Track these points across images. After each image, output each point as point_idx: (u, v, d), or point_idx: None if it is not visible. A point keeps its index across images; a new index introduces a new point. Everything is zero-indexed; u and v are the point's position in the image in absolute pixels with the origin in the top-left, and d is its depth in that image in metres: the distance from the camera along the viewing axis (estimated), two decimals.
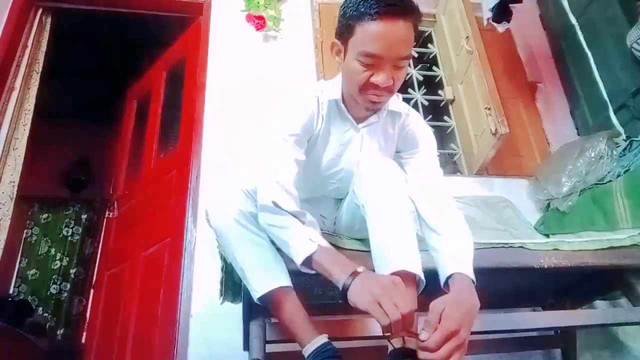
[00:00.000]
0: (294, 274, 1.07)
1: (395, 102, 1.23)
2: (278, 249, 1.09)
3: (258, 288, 1.03)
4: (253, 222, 1.08)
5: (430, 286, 1.00)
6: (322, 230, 1.12)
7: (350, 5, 1.04)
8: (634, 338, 1.84)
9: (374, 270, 0.96)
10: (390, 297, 0.80)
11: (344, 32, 1.06)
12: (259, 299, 1.03)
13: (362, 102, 1.11)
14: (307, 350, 0.97)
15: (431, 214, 1.14)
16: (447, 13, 2.72)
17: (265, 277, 1.03)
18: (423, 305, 0.90)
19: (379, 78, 1.03)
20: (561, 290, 1.73)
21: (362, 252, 1.20)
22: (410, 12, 1.01)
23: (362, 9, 1.00)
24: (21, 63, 2.34)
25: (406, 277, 0.92)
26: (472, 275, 0.99)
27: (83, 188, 4.33)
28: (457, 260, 1.01)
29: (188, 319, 1.82)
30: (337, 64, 1.15)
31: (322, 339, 0.97)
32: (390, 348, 0.92)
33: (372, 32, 1.00)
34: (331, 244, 1.18)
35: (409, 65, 2.77)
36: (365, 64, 1.02)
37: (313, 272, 0.98)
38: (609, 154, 2.03)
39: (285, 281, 1.04)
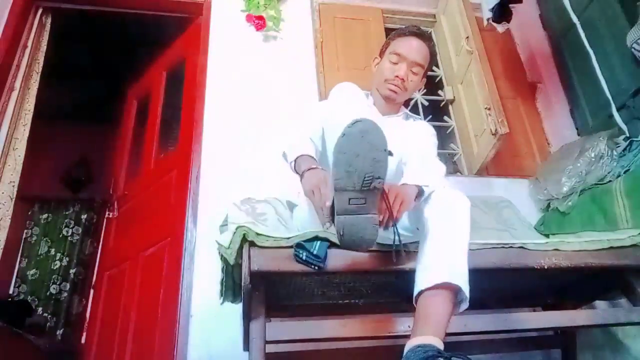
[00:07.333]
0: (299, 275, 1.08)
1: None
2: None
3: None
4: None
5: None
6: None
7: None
8: (634, 338, 1.84)
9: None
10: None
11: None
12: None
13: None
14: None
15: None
16: (447, 13, 2.72)
17: None
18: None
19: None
20: (561, 290, 1.73)
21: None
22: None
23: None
24: (21, 63, 2.34)
25: (448, 287, 1.01)
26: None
27: (83, 188, 4.33)
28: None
29: (188, 319, 1.82)
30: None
31: None
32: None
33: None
34: (331, 242, 1.19)
35: None
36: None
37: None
38: (609, 154, 2.03)
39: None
